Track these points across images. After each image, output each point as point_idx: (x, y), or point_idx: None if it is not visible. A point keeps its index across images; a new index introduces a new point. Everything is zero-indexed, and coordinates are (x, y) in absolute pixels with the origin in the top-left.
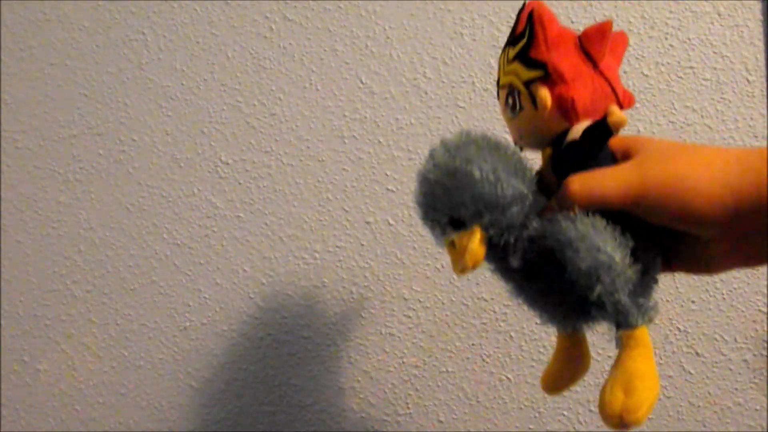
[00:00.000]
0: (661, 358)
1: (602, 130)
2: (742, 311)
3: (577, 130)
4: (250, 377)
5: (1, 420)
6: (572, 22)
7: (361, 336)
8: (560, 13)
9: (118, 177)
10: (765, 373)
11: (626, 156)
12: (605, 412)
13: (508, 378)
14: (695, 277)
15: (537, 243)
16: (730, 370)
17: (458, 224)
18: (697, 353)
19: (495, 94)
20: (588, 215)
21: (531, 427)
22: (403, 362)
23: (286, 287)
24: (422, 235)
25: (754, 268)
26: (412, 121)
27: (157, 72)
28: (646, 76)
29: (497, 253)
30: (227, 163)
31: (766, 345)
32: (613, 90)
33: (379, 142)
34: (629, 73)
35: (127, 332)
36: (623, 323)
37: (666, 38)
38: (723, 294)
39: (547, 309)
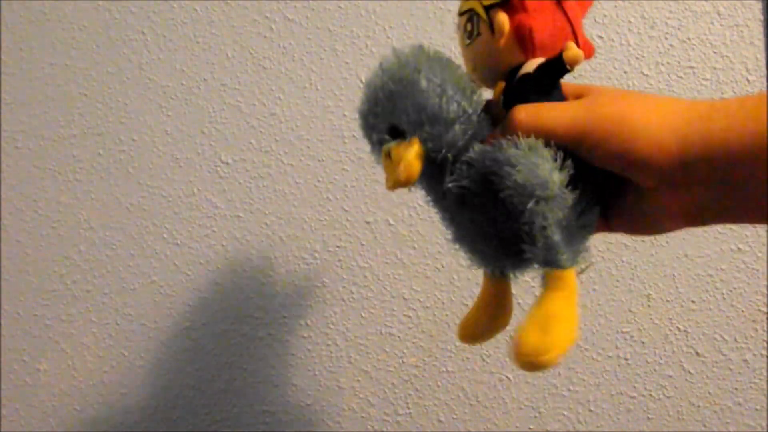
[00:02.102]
0: (661, 358)
1: (557, 65)
2: (742, 311)
3: (532, 64)
4: (250, 377)
5: (1, 420)
6: None
7: (361, 336)
8: None
9: (118, 177)
10: (765, 373)
11: (578, 98)
12: (516, 350)
13: (508, 378)
14: (695, 276)
15: (475, 168)
16: (730, 370)
17: (397, 134)
18: (697, 353)
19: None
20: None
21: (531, 427)
22: (403, 362)
23: (286, 287)
24: (422, 234)
25: (698, 228)
26: None
27: (157, 72)
28: (646, 76)
29: (433, 175)
30: (227, 163)
31: (766, 345)
32: (574, 33)
33: None
34: (629, 73)
35: (127, 332)
36: (552, 262)
37: (666, 38)
38: (723, 294)
39: (478, 244)
